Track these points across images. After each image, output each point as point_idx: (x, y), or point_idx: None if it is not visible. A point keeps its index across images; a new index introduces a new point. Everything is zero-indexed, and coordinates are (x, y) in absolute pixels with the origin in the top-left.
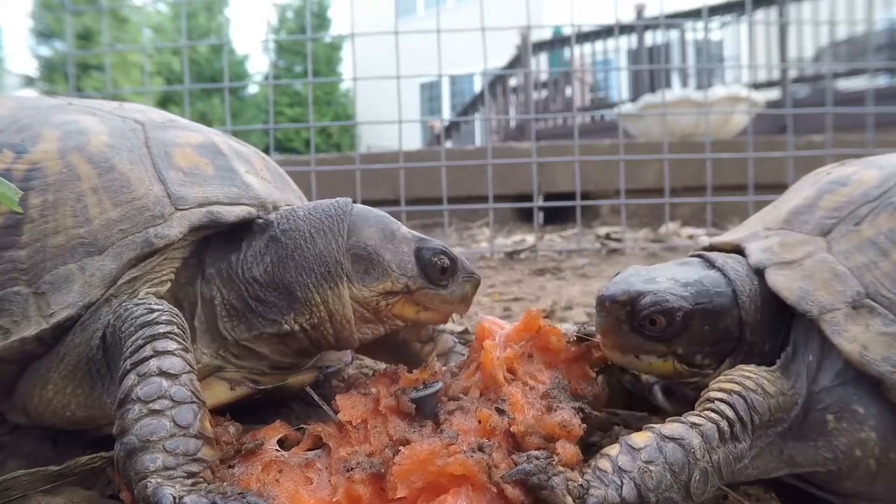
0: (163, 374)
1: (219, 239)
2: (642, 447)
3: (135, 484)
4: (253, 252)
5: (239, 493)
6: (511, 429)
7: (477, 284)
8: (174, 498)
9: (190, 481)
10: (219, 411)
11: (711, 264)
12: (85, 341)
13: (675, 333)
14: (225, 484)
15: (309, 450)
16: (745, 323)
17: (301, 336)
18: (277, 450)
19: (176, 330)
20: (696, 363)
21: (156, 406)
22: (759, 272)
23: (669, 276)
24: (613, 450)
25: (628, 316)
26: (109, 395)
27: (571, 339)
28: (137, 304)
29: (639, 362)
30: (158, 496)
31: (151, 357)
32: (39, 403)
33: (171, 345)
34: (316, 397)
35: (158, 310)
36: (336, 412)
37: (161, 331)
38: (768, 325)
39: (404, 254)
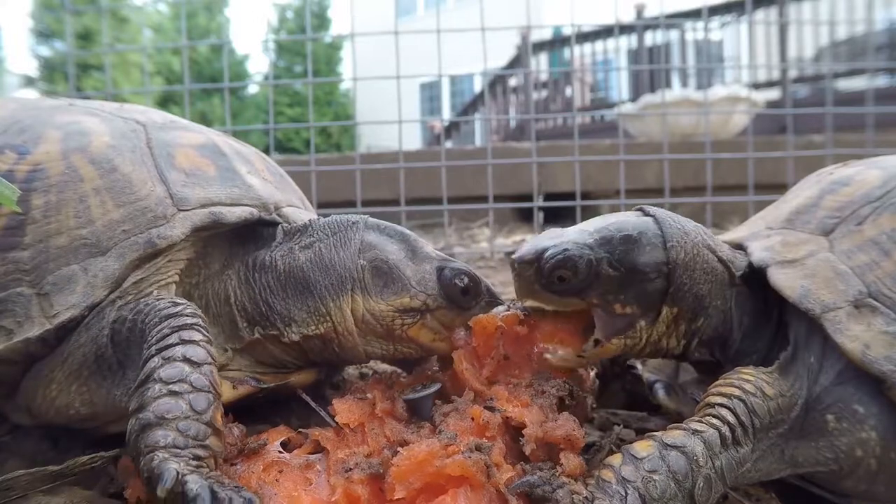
0: (186, 360)
1: (237, 241)
2: (645, 456)
3: (143, 456)
4: (270, 258)
5: (235, 486)
6: (525, 447)
7: None
8: (178, 473)
9: (195, 464)
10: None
11: (645, 213)
12: (91, 340)
13: (584, 284)
14: (224, 477)
15: (310, 453)
16: (671, 263)
17: (304, 346)
18: (280, 451)
19: (201, 323)
20: (616, 313)
21: (175, 388)
22: (761, 271)
23: (582, 227)
24: (616, 459)
25: (536, 274)
26: (120, 388)
27: (521, 317)
28: (159, 299)
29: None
30: (162, 469)
31: (178, 344)
32: (43, 403)
33: (197, 335)
34: (312, 402)
35: (183, 303)
36: (333, 416)
37: (188, 322)
38: (725, 289)
39: (426, 272)
